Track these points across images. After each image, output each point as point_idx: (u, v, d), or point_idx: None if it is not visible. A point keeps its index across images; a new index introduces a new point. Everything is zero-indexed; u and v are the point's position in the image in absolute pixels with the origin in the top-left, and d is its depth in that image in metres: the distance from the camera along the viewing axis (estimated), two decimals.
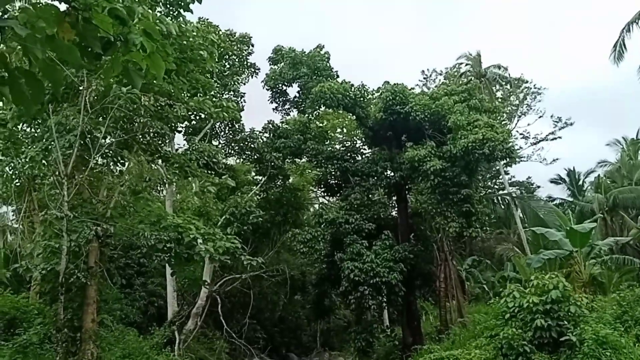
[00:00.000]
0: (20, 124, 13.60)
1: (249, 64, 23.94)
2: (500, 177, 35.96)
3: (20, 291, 16.13)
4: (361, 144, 25.48)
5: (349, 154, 22.93)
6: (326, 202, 29.57)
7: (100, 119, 12.33)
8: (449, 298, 20.84)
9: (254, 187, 22.71)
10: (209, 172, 17.17)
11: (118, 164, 13.43)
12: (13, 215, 23.05)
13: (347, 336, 21.54)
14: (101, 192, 12.57)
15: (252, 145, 23.21)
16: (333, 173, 23.23)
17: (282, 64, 22.85)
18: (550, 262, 17.22)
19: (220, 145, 22.77)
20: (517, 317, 11.98)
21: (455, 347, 13.29)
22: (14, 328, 12.66)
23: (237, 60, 23.28)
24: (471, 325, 15.75)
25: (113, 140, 12.22)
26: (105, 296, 15.35)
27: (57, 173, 11.42)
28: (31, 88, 3.20)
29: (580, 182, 38.04)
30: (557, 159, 38.99)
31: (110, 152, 12.74)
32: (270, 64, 23.35)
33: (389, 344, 20.77)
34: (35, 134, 12.26)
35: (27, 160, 11.13)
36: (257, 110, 37.52)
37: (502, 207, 34.85)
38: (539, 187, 40.83)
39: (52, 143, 10.88)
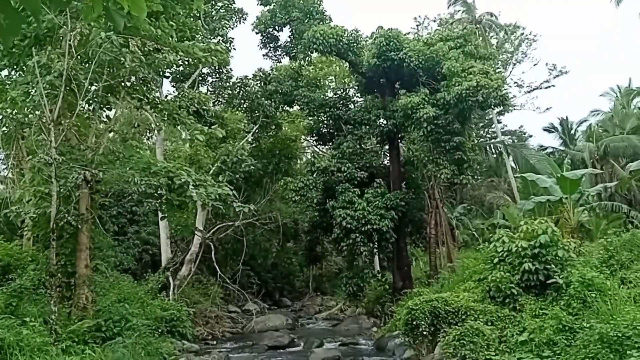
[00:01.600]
0: (4, 70, 13.21)
1: (235, 8, 23.13)
2: (493, 125, 35.88)
3: (13, 239, 16.14)
4: (354, 91, 25.12)
5: (341, 102, 22.65)
6: (318, 151, 29.51)
7: (86, 65, 11.97)
8: (438, 244, 21.19)
9: (246, 135, 22.53)
10: (199, 119, 16.93)
11: (105, 109, 13.16)
12: (2, 163, 22.78)
13: (339, 281, 22.01)
14: (89, 139, 12.36)
15: (243, 93, 22.75)
16: (325, 121, 23.02)
17: (273, 5, 22.06)
18: (539, 208, 17.41)
19: (209, 93, 22.34)
20: (506, 261, 12.20)
21: (444, 291, 13.60)
22: (8, 274, 12.75)
23: (223, 4, 22.43)
24: (460, 270, 16.06)
25: (99, 85, 11.87)
26: (99, 244, 15.43)
27: (43, 118, 11.18)
28: (7, 17, 3.02)
29: (573, 131, 38.08)
30: (549, 108, 38.91)
31: (97, 97, 12.43)
32: (259, 4, 22.49)
33: (380, 288, 21.26)
34: (18, 79, 11.91)
35: (10, 103, 10.84)
36: (246, 60, 36.60)
37: (494, 155, 34.99)
38: (530, 136, 40.93)
39: (35, 85, 10.56)
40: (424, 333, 11.71)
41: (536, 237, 11.83)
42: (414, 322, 11.78)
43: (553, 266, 11.62)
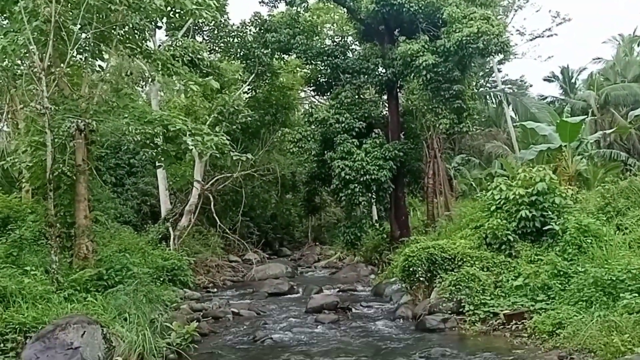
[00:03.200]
0: None
1: None
2: (493, 75, 35.34)
3: (11, 192, 16.14)
4: (352, 39, 24.54)
5: (339, 50, 22.08)
6: (316, 102, 29.17)
7: (75, 11, 11.58)
8: (436, 194, 21.30)
9: (242, 85, 22.17)
10: (194, 69, 16.58)
11: (97, 59, 12.84)
12: None
13: (337, 231, 22.23)
14: (82, 89, 12.12)
15: (238, 40, 22.15)
16: (323, 71, 22.57)
17: None
18: (538, 156, 17.38)
19: (204, 42, 21.79)
20: (503, 209, 12.27)
21: (441, 238, 13.74)
22: (8, 226, 12.78)
23: None
24: (457, 218, 16.19)
25: (90, 32, 11.52)
26: (98, 196, 15.41)
27: (33, 68, 10.91)
28: None
29: (573, 80, 37.61)
30: (551, 57, 38.28)
31: (88, 46, 12.10)
32: None
33: (377, 237, 21.48)
34: (4, 25, 11.56)
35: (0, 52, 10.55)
36: (242, 6, 35.38)
37: (494, 105, 34.66)
38: (531, 85, 40.58)
39: (23, 32, 10.25)
40: (421, 279, 11.91)
41: (534, 185, 11.86)
42: (411, 269, 11.96)
43: (550, 213, 11.70)
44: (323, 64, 21.90)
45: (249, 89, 23.83)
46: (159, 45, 19.32)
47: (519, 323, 9.76)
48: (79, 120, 10.64)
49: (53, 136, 10.63)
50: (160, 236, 18.25)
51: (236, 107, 19.38)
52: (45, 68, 10.92)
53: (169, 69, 13.19)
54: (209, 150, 11.25)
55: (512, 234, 11.77)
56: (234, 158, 12.03)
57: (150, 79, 13.90)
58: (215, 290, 17.58)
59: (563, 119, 16.52)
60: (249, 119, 20.29)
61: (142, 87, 20.25)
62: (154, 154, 12.34)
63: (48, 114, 10.46)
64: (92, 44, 11.99)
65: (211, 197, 20.88)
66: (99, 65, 13.00)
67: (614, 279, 8.80)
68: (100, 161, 18.60)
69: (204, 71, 18.04)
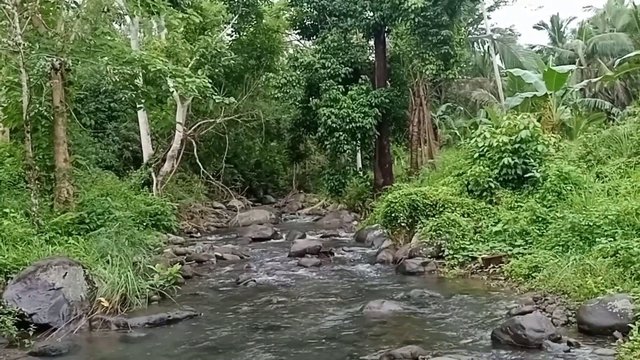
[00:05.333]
0: None
1: None
2: (482, 22, 34.69)
3: None
4: None
5: None
6: (301, 46, 28.48)
7: None
8: (420, 143, 21.27)
9: (225, 27, 21.47)
10: (175, 8, 15.95)
11: None
12: None
13: (321, 178, 22.26)
14: (58, 26, 11.62)
15: None
16: (309, 13, 21.95)
17: None
18: (524, 104, 17.34)
19: None
20: (486, 156, 12.33)
21: (424, 185, 13.85)
22: None
23: None
24: (440, 166, 16.28)
25: None
26: (78, 139, 15.07)
27: (5, 2, 10.38)
28: None
29: (562, 29, 37.20)
30: (541, 6, 37.69)
31: None
32: None
33: (361, 185, 21.59)
34: None
35: None
36: None
37: (481, 53, 34.26)
38: (519, 35, 40.07)
39: None
40: (402, 224, 12.07)
41: (517, 132, 11.88)
42: (393, 214, 12.10)
43: (532, 160, 11.80)
44: (309, 5, 21.28)
45: (232, 32, 23.11)
46: None
47: (496, 267, 10.01)
48: (54, 59, 10.22)
49: (28, 76, 10.28)
50: (142, 181, 18.08)
51: (219, 50, 18.85)
52: (17, 3, 10.43)
53: (148, 5, 12.68)
54: (191, 93, 10.99)
55: (494, 181, 11.89)
56: (217, 102, 11.80)
57: (129, 16, 13.40)
58: (199, 235, 17.67)
59: (550, 67, 16.38)
60: (232, 62, 19.80)
61: (119, 25, 19.50)
62: (134, 95, 12.02)
63: (22, 52, 10.06)
64: None
65: (194, 143, 20.63)
66: (74, 2, 12.46)
67: (591, 224, 8.97)
68: (79, 104, 18.11)
69: (185, 11, 17.41)
